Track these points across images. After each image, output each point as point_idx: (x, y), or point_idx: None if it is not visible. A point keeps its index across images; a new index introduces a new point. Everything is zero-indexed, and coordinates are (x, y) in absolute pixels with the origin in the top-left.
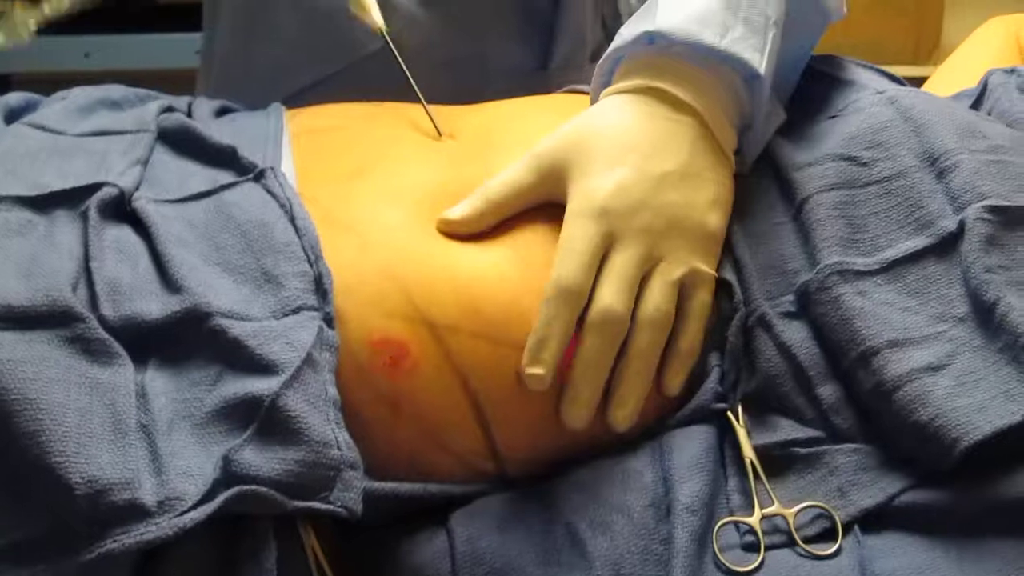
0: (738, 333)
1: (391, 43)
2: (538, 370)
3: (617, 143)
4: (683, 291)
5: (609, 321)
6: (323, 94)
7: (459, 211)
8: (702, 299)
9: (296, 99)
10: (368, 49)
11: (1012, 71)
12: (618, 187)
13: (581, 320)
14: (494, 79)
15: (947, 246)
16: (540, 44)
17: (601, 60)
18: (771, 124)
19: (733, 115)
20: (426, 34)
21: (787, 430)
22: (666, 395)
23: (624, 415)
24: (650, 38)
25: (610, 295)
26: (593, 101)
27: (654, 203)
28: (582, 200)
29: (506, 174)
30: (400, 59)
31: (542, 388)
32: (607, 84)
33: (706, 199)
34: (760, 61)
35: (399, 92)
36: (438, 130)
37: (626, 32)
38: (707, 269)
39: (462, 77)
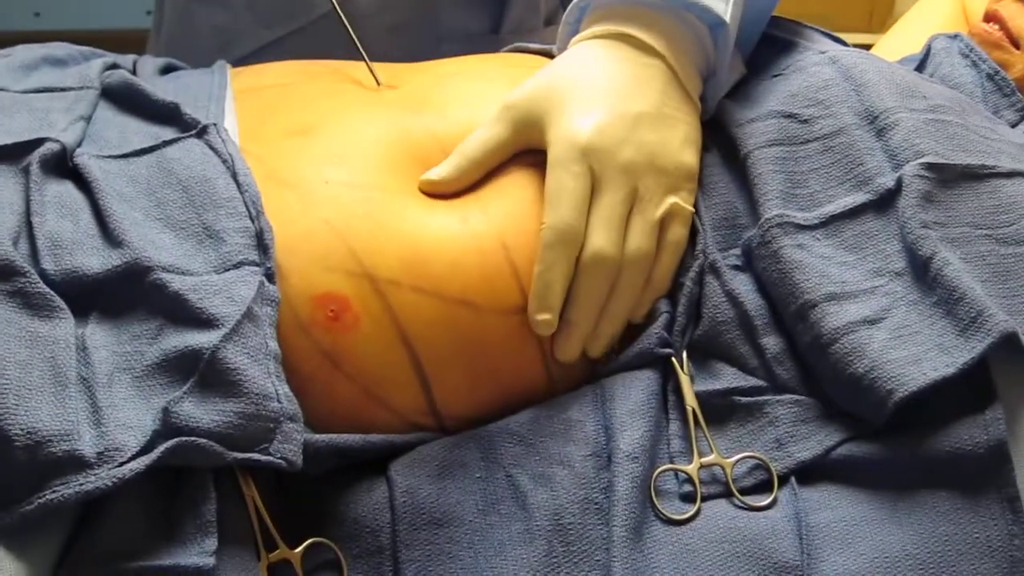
0: (696, 280)
1: (335, 3)
2: (545, 315)
3: (591, 87)
4: (661, 224)
5: (602, 263)
6: (270, 58)
7: (440, 171)
8: (678, 232)
9: (243, 63)
10: (317, 12)
11: (955, 36)
12: (597, 128)
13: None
14: (446, 43)
15: (885, 202)
16: (493, 8)
17: (568, 8)
18: (732, 76)
19: (699, 62)
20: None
21: (730, 378)
22: (632, 322)
23: (599, 346)
24: None
25: (601, 238)
26: (560, 50)
27: (633, 141)
28: (564, 144)
29: (482, 130)
30: (343, 16)
31: (549, 332)
32: (575, 33)
33: (680, 137)
34: (725, 9)
35: (349, 54)
36: (376, 80)
37: None
38: (684, 204)
39: (414, 40)
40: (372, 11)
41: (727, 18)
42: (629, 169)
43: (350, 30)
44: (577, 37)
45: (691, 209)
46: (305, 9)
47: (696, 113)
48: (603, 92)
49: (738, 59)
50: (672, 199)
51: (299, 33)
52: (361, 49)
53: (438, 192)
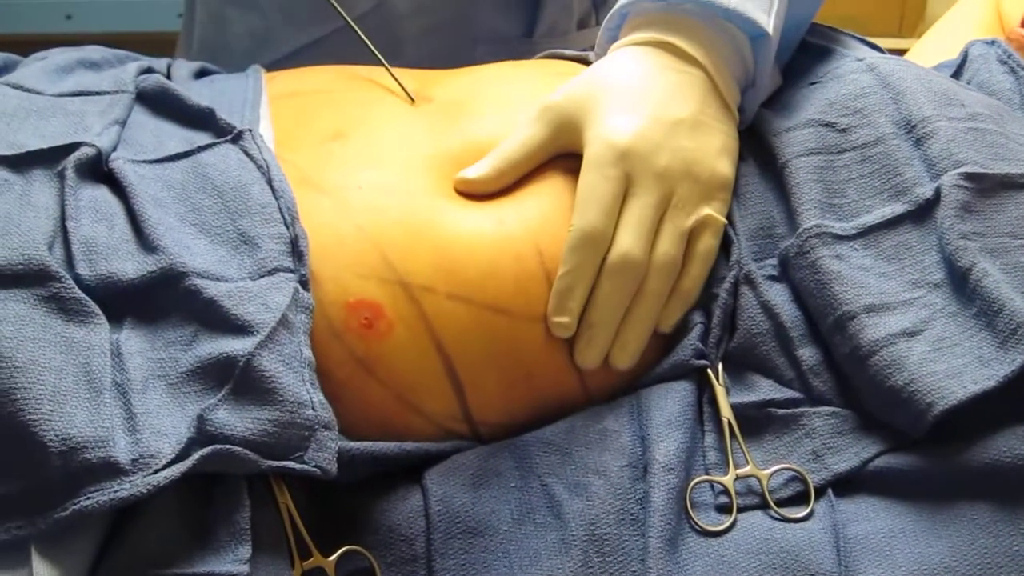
0: (730, 291)
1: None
2: (564, 318)
3: (630, 92)
4: (692, 234)
5: (628, 266)
6: (305, 62)
7: (477, 170)
8: (708, 243)
9: (277, 67)
10: (352, 14)
11: (992, 42)
12: (635, 132)
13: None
14: (480, 45)
15: (924, 213)
16: (526, 11)
17: (609, 15)
18: (771, 85)
19: (738, 73)
20: (413, 0)
21: (766, 390)
22: (658, 332)
23: (626, 356)
24: None
25: (629, 240)
26: (599, 56)
27: (669, 148)
28: (600, 145)
29: (520, 131)
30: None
31: (567, 335)
32: (614, 39)
33: (717, 147)
34: (767, 21)
35: (397, 48)
36: (408, 95)
37: None
38: (715, 214)
39: (450, 43)
40: (408, 13)
41: (770, 29)
42: (664, 175)
43: (367, 42)
44: (617, 43)
45: (723, 220)
46: (345, 10)
47: (734, 123)
48: (641, 97)
49: (776, 70)
50: (705, 209)
51: (333, 36)
52: (384, 61)
53: (473, 192)
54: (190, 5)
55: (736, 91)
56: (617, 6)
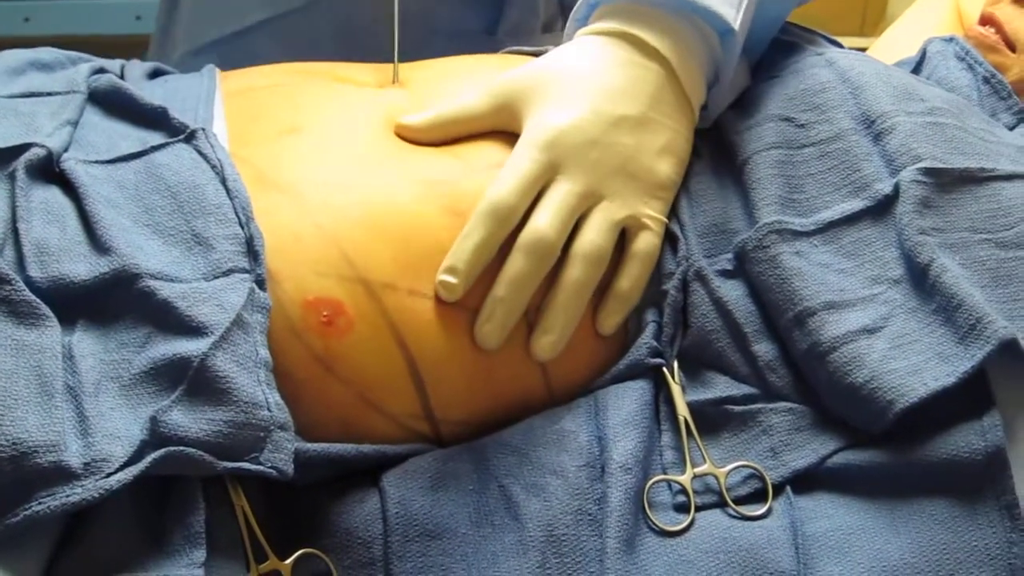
0: (679, 287)
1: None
2: (449, 278)
3: (579, 82)
4: (629, 233)
5: (538, 244)
6: (265, 37)
7: (414, 119)
8: (648, 242)
9: (244, 36)
10: None
11: (951, 39)
12: (572, 123)
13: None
14: (439, 38)
15: (883, 208)
16: (490, 8)
17: (577, 5)
18: (737, 84)
19: (705, 67)
20: None
21: (722, 387)
22: (601, 334)
23: (548, 342)
24: None
25: (543, 219)
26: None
27: (605, 143)
28: (534, 130)
29: (466, 96)
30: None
31: (451, 298)
32: (581, 28)
33: (659, 145)
34: (735, 17)
35: (351, 38)
36: (395, 78)
37: None
38: (654, 213)
39: (409, 35)
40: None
41: (736, 25)
42: (593, 168)
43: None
44: (582, 31)
45: (662, 219)
46: None
47: (690, 122)
48: (589, 89)
49: (744, 68)
50: (641, 207)
51: (294, 14)
52: (396, 47)
53: (408, 137)
54: None
55: (701, 86)
56: None
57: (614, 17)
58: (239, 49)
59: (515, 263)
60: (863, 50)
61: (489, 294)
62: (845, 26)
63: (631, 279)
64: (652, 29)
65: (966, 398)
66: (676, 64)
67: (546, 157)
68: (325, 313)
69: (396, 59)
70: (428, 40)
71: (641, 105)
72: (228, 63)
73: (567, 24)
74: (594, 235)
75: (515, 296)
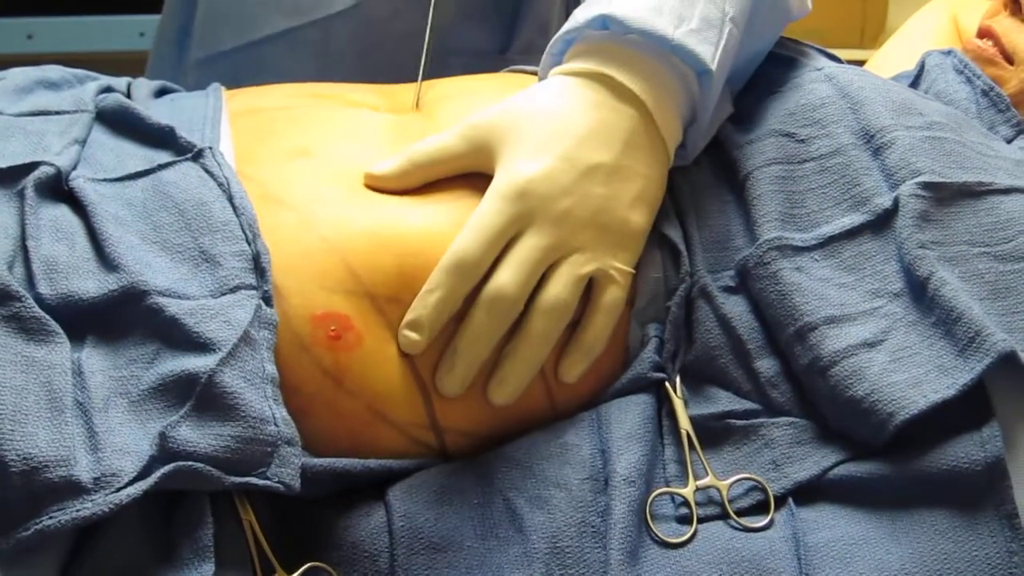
0: (681, 303)
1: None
2: (413, 335)
3: (551, 128)
4: (595, 285)
5: (498, 301)
6: (283, 48)
7: (384, 166)
8: (614, 295)
9: (260, 46)
10: (335, 8)
11: (949, 52)
12: (543, 173)
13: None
14: (454, 58)
15: (883, 223)
16: (503, 27)
17: (553, 39)
18: (718, 118)
19: (682, 108)
20: (389, 5)
21: (724, 402)
22: (562, 382)
23: (503, 394)
24: (604, 22)
25: (506, 275)
26: (541, 80)
27: (577, 193)
28: (504, 179)
29: (437, 137)
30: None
31: (414, 352)
32: (557, 64)
33: (632, 195)
34: (712, 55)
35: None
36: (416, 102)
37: (580, 14)
38: (622, 266)
39: (420, 52)
40: (384, 18)
41: (713, 66)
42: (563, 220)
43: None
44: (556, 69)
45: (630, 271)
46: (323, 4)
47: (664, 166)
48: (562, 135)
49: (727, 98)
50: (611, 260)
51: (310, 27)
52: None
53: (379, 187)
54: None
55: (678, 128)
56: (561, 31)
57: (590, 56)
58: (252, 59)
59: (476, 319)
60: (862, 62)
61: (449, 346)
62: (844, 38)
63: (595, 331)
64: (628, 70)
65: (966, 410)
66: (652, 106)
67: (514, 209)
68: (333, 328)
69: (420, 81)
70: (442, 60)
71: (614, 152)
72: (240, 73)
73: (543, 57)
74: (559, 289)
75: (475, 350)
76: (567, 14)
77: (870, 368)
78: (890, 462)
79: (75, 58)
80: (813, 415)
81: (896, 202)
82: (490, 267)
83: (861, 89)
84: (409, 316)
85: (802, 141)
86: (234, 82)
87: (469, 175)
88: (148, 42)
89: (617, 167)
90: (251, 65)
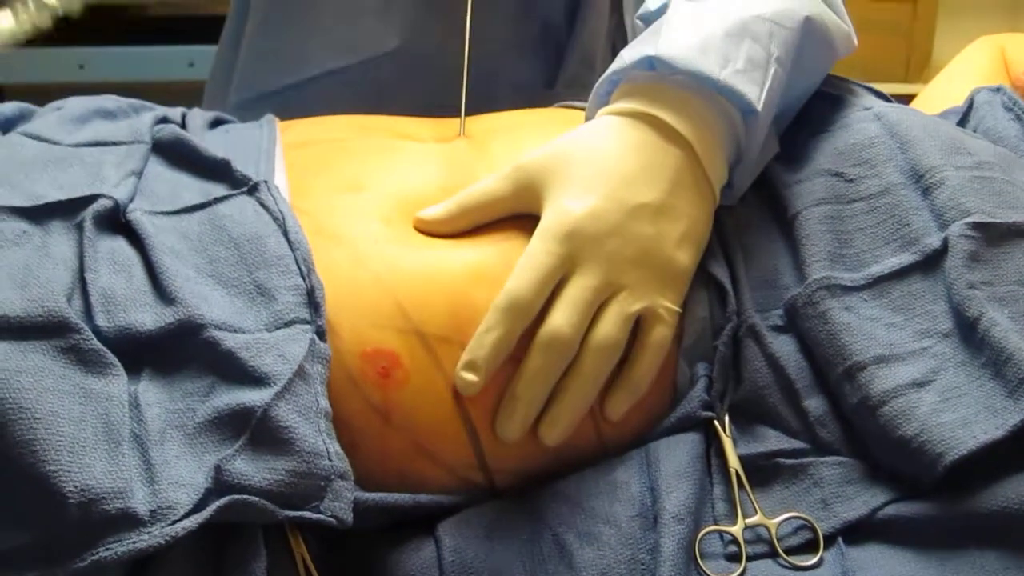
0: (728, 343)
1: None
2: (470, 375)
3: (598, 168)
4: (643, 323)
5: (555, 343)
6: (334, 86)
7: (433, 211)
8: (661, 333)
9: (306, 86)
10: (379, 49)
11: (998, 89)
12: (590, 213)
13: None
14: (499, 93)
15: (932, 263)
16: (549, 62)
17: (600, 80)
18: (764, 156)
19: (728, 148)
20: (436, 42)
21: (773, 441)
22: (607, 420)
23: (554, 433)
24: (650, 63)
25: (560, 317)
26: (588, 119)
27: (624, 233)
28: (552, 219)
29: (485, 181)
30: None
31: (470, 393)
32: (603, 104)
33: (678, 234)
34: (758, 96)
35: (408, 91)
36: (461, 131)
37: (627, 55)
38: (670, 305)
39: (470, 88)
40: (433, 53)
41: (759, 106)
42: (611, 260)
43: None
44: (604, 109)
45: (676, 309)
46: (373, 43)
47: (710, 205)
48: (608, 175)
49: (773, 137)
50: (659, 298)
51: (356, 67)
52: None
53: (429, 231)
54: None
55: (723, 167)
56: (608, 72)
57: (636, 97)
58: (298, 99)
59: (533, 361)
60: (908, 97)
61: (508, 391)
62: (890, 72)
63: (642, 369)
64: (674, 111)
65: (1016, 450)
66: (698, 147)
67: (563, 249)
68: (382, 364)
69: (463, 112)
70: (490, 94)
71: (661, 191)
72: (283, 114)
73: (590, 97)
74: (609, 327)
75: (533, 392)
76: (612, 48)
77: (919, 408)
78: (940, 502)
79: (125, 86)
80: (862, 454)
81: (945, 242)
82: (542, 307)
83: (910, 128)
84: (466, 357)
85: (851, 181)
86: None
87: (517, 215)
88: (197, 72)
89: (663, 206)
90: (298, 105)
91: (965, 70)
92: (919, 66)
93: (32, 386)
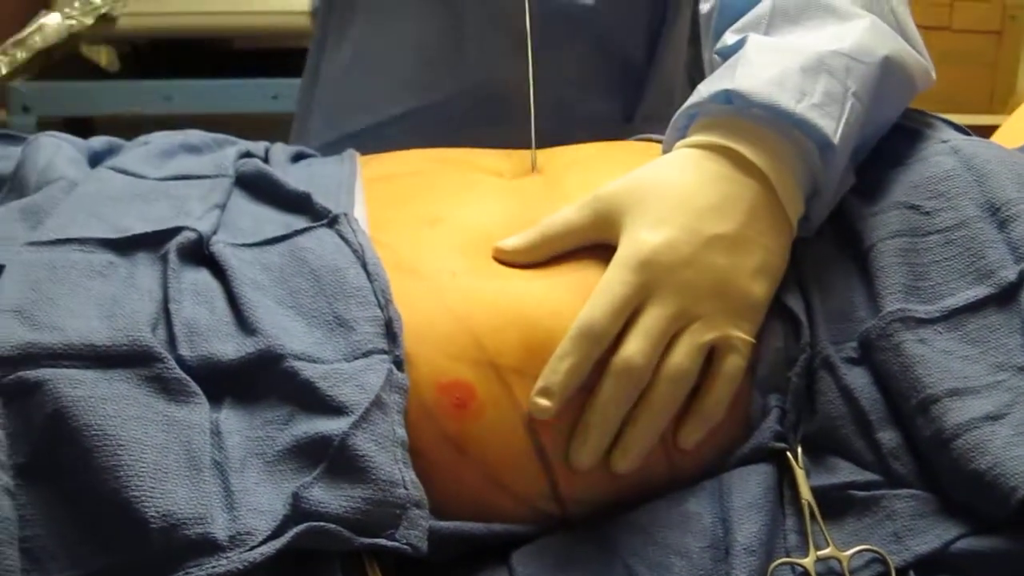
0: (802, 374)
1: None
2: (544, 401)
3: (674, 200)
4: (717, 353)
5: (628, 372)
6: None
7: (513, 241)
8: (735, 363)
9: (384, 126)
10: (458, 88)
11: None
12: (666, 243)
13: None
14: (579, 126)
15: (1007, 296)
16: (628, 96)
17: (677, 113)
18: (841, 189)
19: (804, 181)
20: (511, 80)
21: (846, 473)
22: (680, 449)
23: (625, 462)
24: (727, 97)
25: (634, 346)
26: (665, 152)
27: (699, 264)
28: (628, 249)
29: (565, 211)
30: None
31: (545, 418)
32: (681, 137)
33: (753, 266)
34: (835, 130)
35: (486, 126)
36: (533, 166)
37: (704, 89)
38: (743, 336)
39: (546, 122)
40: (513, 91)
41: (836, 140)
42: (686, 290)
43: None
44: (681, 142)
45: (750, 340)
46: (448, 83)
47: (787, 238)
48: (685, 206)
49: (849, 170)
50: (732, 329)
51: (431, 107)
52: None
53: (508, 261)
54: (317, 54)
55: (800, 200)
56: (685, 105)
57: (713, 130)
58: (373, 139)
59: (607, 389)
60: (992, 127)
61: (581, 419)
62: (974, 103)
63: (715, 398)
64: (751, 144)
65: None
66: (774, 179)
67: (639, 279)
68: (457, 396)
69: (533, 146)
70: (566, 128)
71: (736, 223)
72: (364, 151)
73: (667, 131)
74: (682, 358)
75: (606, 421)
76: (690, 81)
77: (993, 441)
78: (1014, 537)
79: (210, 119)
80: (936, 487)
81: (1021, 275)
82: (616, 336)
83: (987, 162)
84: (540, 383)
85: (927, 213)
86: None
87: (591, 246)
88: (281, 104)
89: (739, 238)
90: (376, 145)
91: None
92: (1003, 97)
93: (117, 414)
